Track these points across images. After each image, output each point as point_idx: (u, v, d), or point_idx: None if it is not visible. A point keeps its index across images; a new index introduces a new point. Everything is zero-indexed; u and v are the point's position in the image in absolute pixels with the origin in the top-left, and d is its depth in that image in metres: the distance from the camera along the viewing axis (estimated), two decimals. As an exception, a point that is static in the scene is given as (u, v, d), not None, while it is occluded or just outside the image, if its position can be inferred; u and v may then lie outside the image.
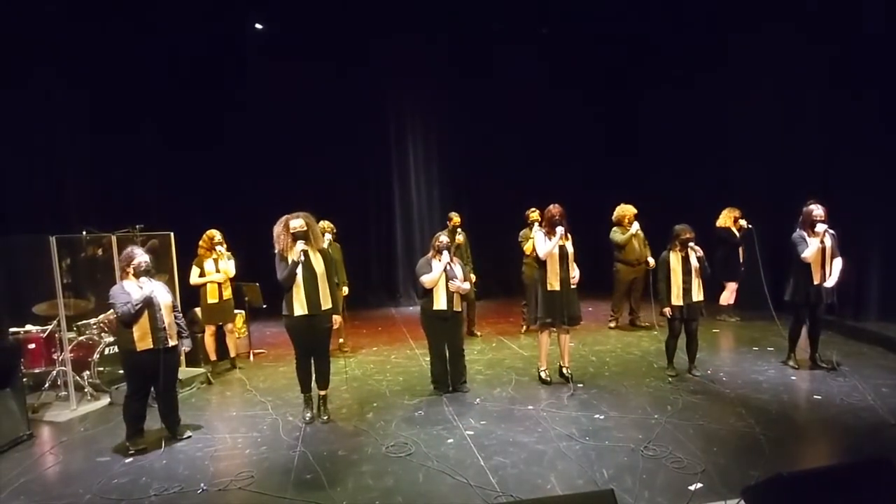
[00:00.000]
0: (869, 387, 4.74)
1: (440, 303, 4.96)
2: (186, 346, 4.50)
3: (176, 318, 4.36)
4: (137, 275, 4.17)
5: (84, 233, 5.87)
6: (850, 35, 6.73)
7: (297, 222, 4.43)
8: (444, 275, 4.97)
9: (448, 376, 5.17)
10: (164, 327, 4.19)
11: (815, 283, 5.16)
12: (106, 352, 5.54)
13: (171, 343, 4.25)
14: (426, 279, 4.97)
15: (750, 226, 7.04)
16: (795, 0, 7.24)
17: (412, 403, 4.96)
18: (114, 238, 5.75)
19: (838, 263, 5.21)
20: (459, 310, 5.15)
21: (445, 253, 5.00)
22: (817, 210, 5.15)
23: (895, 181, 6.49)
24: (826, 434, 4.08)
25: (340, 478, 3.63)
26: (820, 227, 5.08)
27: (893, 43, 6.30)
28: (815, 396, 4.68)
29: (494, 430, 4.27)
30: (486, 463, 3.72)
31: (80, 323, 5.72)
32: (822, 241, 5.12)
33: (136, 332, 4.09)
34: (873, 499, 2.43)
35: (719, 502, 3.07)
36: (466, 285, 5.12)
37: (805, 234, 5.18)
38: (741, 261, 7.31)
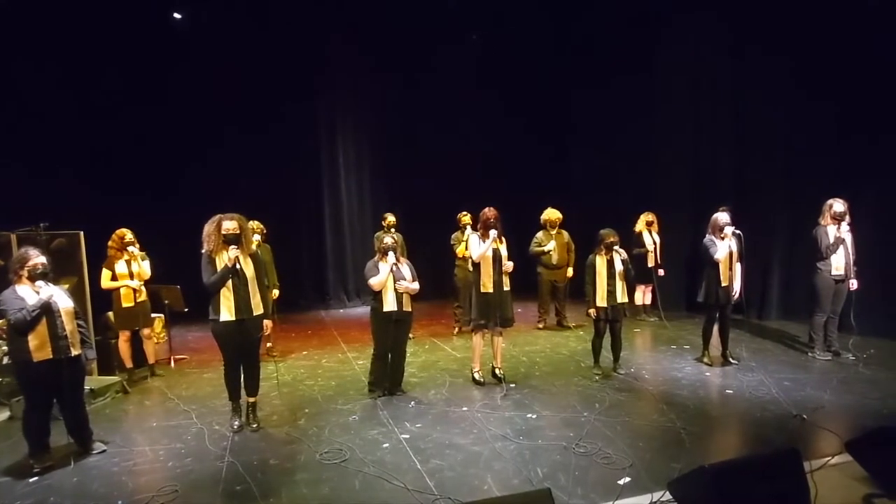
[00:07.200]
0: (773, 381, 5.14)
1: (389, 304, 4.92)
2: (90, 355, 4.15)
3: (79, 325, 4.00)
4: (33, 278, 3.79)
5: (-21, 231, 5.35)
6: (764, 47, 7.28)
7: (231, 224, 4.21)
8: (391, 276, 4.93)
9: (387, 378, 5.14)
10: (66, 335, 3.82)
11: (724, 284, 5.57)
12: (5, 360, 5.04)
13: (74, 352, 3.90)
14: (373, 281, 4.93)
15: (656, 234, 7.53)
16: (713, 6, 7.77)
17: (346, 408, 4.87)
18: (14, 237, 5.28)
19: (738, 269, 5.67)
20: (410, 310, 5.12)
21: (391, 254, 4.97)
22: (723, 217, 5.60)
23: (795, 192, 7.12)
24: (738, 426, 4.39)
25: (273, 488, 3.51)
26: (728, 230, 5.52)
27: (805, 59, 6.86)
28: (727, 391, 5.03)
29: (430, 432, 4.27)
30: (423, 466, 3.72)
31: (-26, 330, 5.20)
32: (729, 245, 5.53)
33: (33, 340, 3.71)
34: (786, 485, 2.65)
35: (646, 495, 3.22)
36: (415, 285, 5.08)
37: (714, 238, 5.59)
38: (650, 265, 7.73)
